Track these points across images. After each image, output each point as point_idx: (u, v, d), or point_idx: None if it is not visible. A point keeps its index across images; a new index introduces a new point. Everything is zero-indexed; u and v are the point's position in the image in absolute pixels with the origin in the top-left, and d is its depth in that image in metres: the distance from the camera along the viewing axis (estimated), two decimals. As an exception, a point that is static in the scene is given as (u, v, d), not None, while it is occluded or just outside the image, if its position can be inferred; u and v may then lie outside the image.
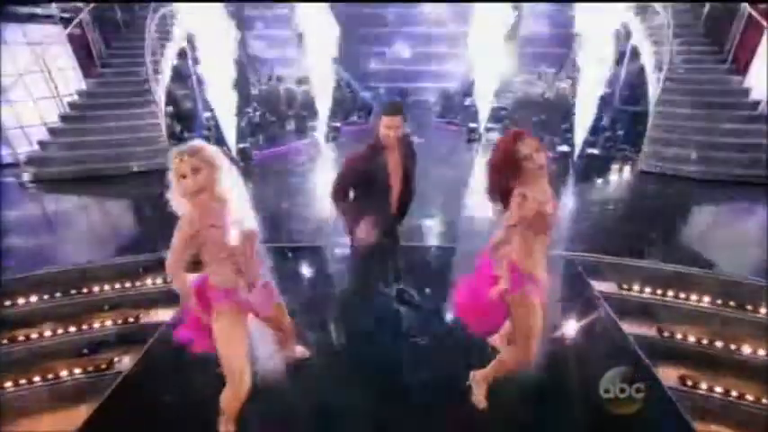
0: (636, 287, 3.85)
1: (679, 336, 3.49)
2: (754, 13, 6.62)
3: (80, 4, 7.42)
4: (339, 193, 2.62)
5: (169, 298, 3.75)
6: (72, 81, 7.60)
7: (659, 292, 3.79)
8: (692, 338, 3.46)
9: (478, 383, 2.54)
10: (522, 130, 2.07)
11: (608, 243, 4.44)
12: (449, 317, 3.40)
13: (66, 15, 7.37)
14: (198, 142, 1.92)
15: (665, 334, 3.51)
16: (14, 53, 6.82)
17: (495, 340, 2.91)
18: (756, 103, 6.72)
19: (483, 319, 2.25)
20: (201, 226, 1.85)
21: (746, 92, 6.93)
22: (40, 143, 6.89)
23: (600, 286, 3.87)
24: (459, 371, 2.84)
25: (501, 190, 2.12)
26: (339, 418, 2.52)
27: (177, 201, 1.88)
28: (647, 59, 7.70)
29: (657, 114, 6.90)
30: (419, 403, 2.60)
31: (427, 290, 3.59)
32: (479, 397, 2.52)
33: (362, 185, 2.61)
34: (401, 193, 2.83)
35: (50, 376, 3.39)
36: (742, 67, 7.14)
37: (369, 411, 2.55)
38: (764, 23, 6.45)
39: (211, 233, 1.86)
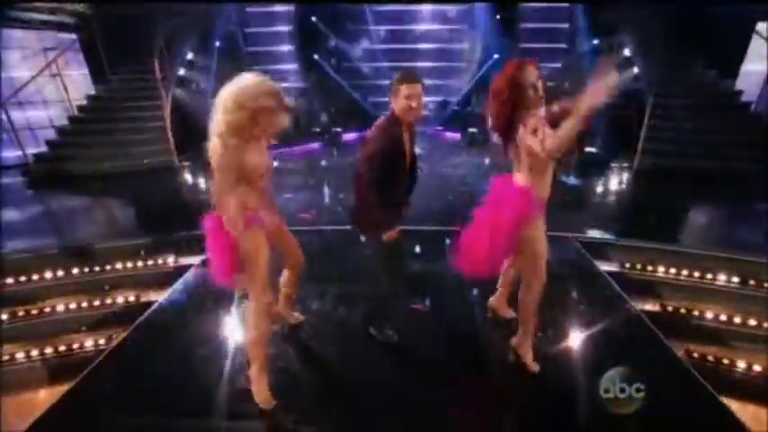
0: (638, 266, 3.87)
1: (683, 311, 3.47)
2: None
3: (90, 13, 7.69)
4: (374, 174, 2.25)
5: (166, 280, 3.79)
6: (82, 86, 7.81)
7: (661, 269, 3.80)
8: (695, 312, 3.45)
9: (523, 347, 2.46)
10: (526, 59, 2.06)
11: (607, 227, 4.51)
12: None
13: (79, 23, 7.66)
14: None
15: (669, 309, 3.50)
16: (29, 59, 7.06)
17: (494, 303, 2.93)
18: (747, 104, 6.90)
19: (482, 262, 2.25)
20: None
21: (737, 94, 7.13)
22: (48, 143, 7.03)
23: (602, 266, 3.87)
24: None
25: (503, 120, 2.10)
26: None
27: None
28: (640, 67, 7.96)
29: (652, 116, 7.06)
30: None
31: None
32: (530, 361, 2.44)
33: (387, 165, 2.29)
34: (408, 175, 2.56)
35: (49, 351, 3.37)
36: (731, 71, 7.37)
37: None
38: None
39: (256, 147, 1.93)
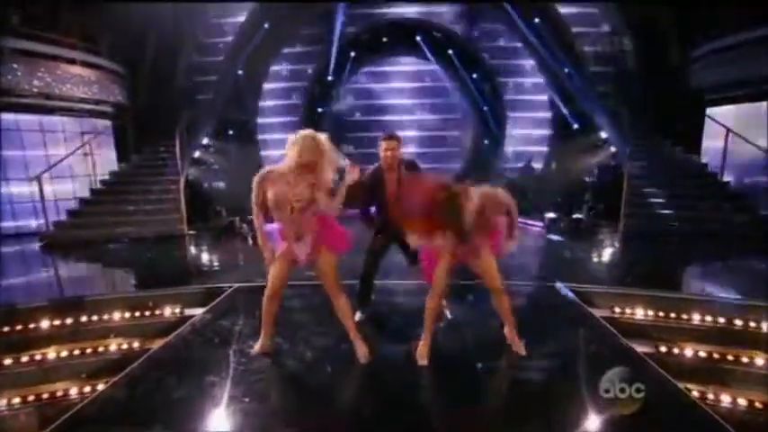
0: (628, 310, 4.02)
1: (675, 350, 3.56)
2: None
3: (126, 103, 8.85)
4: (350, 196, 3.16)
5: (168, 328, 3.91)
6: (108, 164, 8.63)
7: (650, 313, 3.95)
8: (688, 352, 3.53)
9: (512, 335, 3.00)
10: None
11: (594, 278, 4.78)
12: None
13: (116, 112, 8.81)
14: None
15: (662, 349, 3.58)
16: (69, 140, 7.98)
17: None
18: (714, 174, 7.59)
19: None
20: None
21: (704, 166, 7.88)
22: (69, 212, 7.55)
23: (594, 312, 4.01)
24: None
25: None
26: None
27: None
28: (616, 146, 8.90)
29: (629, 188, 7.66)
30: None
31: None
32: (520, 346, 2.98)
33: (366, 193, 3.42)
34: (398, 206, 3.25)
35: (46, 396, 3.38)
36: (694, 146, 8.23)
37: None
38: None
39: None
